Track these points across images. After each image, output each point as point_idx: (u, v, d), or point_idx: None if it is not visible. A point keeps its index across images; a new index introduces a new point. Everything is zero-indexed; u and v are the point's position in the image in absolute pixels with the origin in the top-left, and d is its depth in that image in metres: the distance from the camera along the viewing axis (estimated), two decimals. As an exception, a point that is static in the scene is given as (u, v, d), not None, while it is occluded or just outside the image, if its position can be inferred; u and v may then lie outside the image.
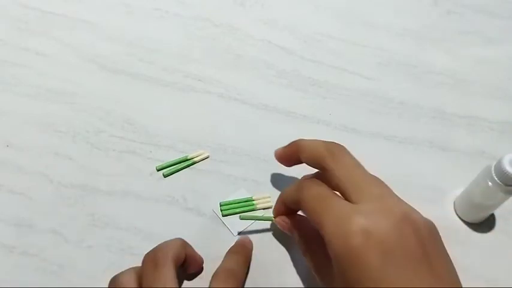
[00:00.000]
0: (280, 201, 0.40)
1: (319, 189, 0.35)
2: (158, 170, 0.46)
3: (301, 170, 0.42)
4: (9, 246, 0.41)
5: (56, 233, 0.42)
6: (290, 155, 0.42)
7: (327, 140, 0.38)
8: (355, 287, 0.30)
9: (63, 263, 0.41)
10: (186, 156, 0.47)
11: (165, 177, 0.46)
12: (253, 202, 0.44)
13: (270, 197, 0.45)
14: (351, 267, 0.30)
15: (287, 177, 0.46)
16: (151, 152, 0.47)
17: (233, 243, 0.42)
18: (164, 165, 0.46)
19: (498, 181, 0.39)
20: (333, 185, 0.35)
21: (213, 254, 0.40)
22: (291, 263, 0.42)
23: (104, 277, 0.36)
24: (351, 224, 0.30)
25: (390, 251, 0.30)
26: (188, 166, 0.47)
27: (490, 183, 0.39)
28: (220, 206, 0.44)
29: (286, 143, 0.42)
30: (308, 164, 0.39)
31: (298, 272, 0.41)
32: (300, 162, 0.40)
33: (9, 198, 0.44)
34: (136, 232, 0.42)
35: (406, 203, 0.33)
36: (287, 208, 0.40)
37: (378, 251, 0.29)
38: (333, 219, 0.32)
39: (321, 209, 0.34)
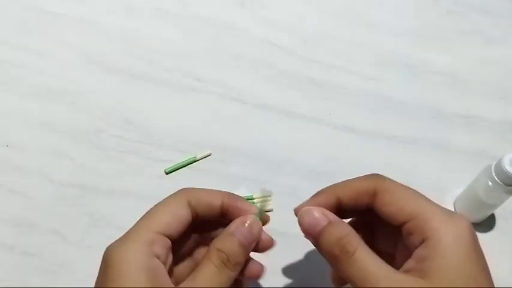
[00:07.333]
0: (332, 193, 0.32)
1: None
2: (167, 173, 0.47)
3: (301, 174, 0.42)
4: (9, 246, 0.42)
5: (56, 233, 0.42)
6: None
7: None
8: None
9: (63, 263, 0.41)
10: (195, 157, 0.47)
11: (167, 174, 0.46)
12: (253, 200, 0.44)
13: (270, 195, 0.45)
14: None
15: (287, 176, 0.47)
16: (151, 151, 0.47)
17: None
18: (171, 168, 0.47)
19: (498, 181, 0.39)
20: None
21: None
22: (291, 263, 0.42)
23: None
24: None
25: None
26: (189, 163, 0.47)
27: (490, 183, 0.39)
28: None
29: (286, 143, 0.41)
30: None
31: (299, 272, 0.41)
32: None
33: (9, 198, 0.44)
34: (136, 232, 0.42)
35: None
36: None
37: None
38: None
39: None
